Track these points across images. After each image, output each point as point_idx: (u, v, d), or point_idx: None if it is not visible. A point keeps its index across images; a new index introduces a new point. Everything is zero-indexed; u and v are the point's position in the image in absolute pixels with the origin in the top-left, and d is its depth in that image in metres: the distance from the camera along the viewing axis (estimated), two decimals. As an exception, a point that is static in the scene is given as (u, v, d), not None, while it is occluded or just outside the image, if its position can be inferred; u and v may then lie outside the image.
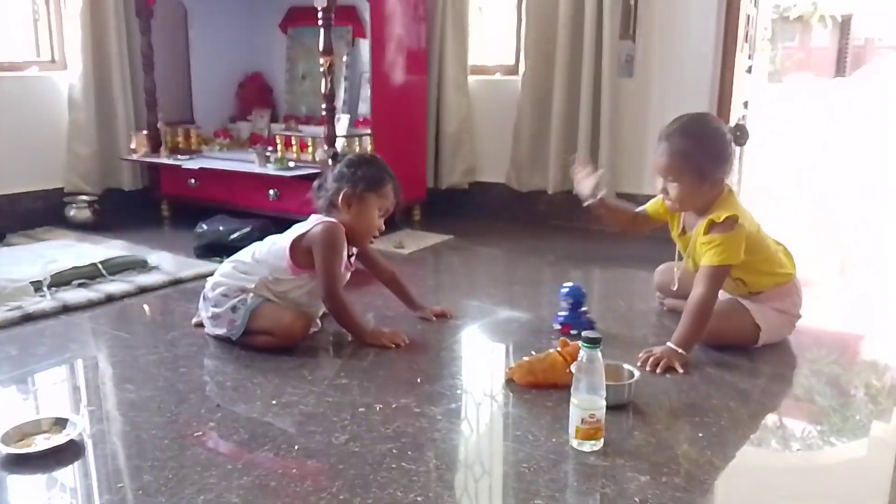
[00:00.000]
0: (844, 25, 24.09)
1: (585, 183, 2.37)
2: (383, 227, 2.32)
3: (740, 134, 2.18)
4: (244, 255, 2.30)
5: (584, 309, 2.33)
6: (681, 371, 2.01)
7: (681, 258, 2.33)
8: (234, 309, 2.18)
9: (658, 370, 2.01)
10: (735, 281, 2.21)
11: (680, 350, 2.05)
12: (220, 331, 2.23)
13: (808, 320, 2.32)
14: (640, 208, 2.47)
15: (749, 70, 3.98)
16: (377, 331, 2.28)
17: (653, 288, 2.63)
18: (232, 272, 2.26)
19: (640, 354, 2.08)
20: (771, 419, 1.84)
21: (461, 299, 2.71)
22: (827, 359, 2.22)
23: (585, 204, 2.39)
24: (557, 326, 2.32)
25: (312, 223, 2.23)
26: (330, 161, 2.38)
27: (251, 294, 2.20)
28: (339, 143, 3.51)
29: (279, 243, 2.25)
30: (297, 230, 2.24)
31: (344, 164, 2.29)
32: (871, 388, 2.04)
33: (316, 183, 2.34)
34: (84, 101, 3.95)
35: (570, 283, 2.34)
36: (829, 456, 1.70)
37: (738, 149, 2.19)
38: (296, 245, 2.20)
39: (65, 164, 3.99)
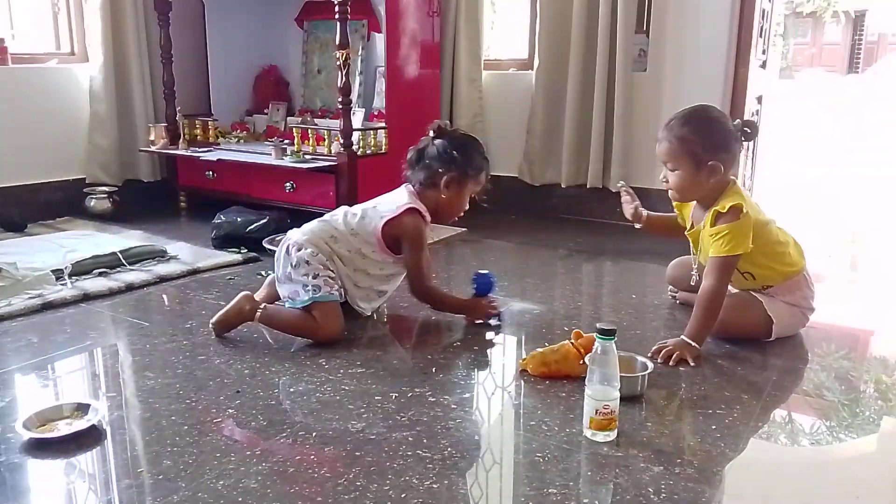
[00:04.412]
0: (858, 21, 23.80)
1: (629, 209, 2.38)
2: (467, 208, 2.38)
3: (749, 129, 2.16)
4: (336, 218, 2.29)
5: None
6: (692, 364, 2.03)
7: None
8: (304, 287, 2.17)
9: (671, 363, 2.03)
10: (744, 275, 2.21)
11: (692, 343, 2.06)
12: (284, 291, 2.24)
13: (819, 315, 2.32)
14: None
15: (763, 65, 3.97)
16: (476, 303, 2.35)
17: (665, 281, 2.64)
18: (321, 238, 2.23)
19: (654, 347, 2.10)
20: (782, 412, 1.85)
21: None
22: (837, 354, 2.23)
23: (636, 227, 2.40)
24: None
25: (399, 206, 2.23)
26: (431, 133, 2.29)
27: (333, 287, 2.19)
28: (355, 137, 3.54)
29: (372, 219, 2.25)
30: (386, 208, 2.24)
31: (452, 145, 2.25)
32: (881, 383, 2.04)
33: (413, 154, 2.30)
34: (104, 94, 4.00)
35: (483, 271, 2.39)
36: (840, 450, 1.71)
37: (747, 144, 2.17)
38: (386, 230, 2.23)
39: (85, 155, 4.05)
